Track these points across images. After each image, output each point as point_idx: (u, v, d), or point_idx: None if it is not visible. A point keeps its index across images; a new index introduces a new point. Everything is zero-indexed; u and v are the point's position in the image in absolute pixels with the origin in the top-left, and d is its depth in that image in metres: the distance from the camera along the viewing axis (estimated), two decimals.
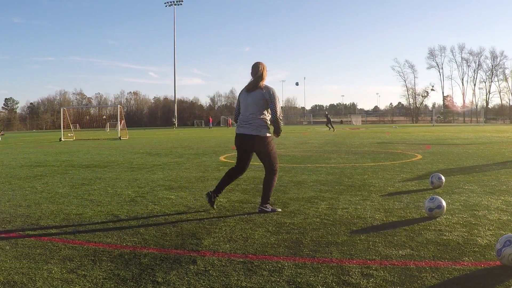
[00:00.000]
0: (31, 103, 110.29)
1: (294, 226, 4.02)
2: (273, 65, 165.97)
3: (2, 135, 38.17)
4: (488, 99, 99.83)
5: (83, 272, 2.89)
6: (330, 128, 36.59)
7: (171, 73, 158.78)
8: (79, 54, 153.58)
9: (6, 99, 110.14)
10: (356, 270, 2.86)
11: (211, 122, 67.20)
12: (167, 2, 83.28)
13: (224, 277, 2.78)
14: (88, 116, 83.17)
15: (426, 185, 6.17)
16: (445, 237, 3.56)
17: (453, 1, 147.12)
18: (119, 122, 30.32)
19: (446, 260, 3.02)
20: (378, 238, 3.58)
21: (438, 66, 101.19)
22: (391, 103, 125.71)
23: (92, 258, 3.19)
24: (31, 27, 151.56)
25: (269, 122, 4.59)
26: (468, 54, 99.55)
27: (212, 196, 4.64)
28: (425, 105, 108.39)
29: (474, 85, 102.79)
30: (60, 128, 29.90)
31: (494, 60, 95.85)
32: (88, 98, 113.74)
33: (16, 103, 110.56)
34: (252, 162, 4.81)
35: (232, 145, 17.96)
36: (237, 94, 4.91)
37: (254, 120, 4.50)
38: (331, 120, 38.23)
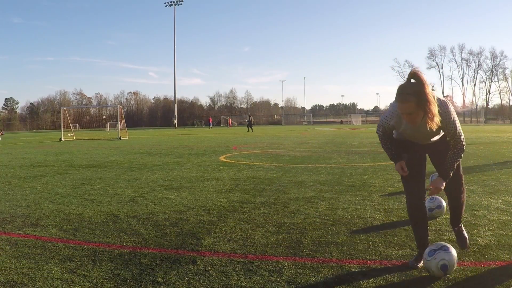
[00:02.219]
0: (31, 103, 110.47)
1: (294, 226, 4.02)
2: (273, 65, 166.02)
3: (2, 135, 38.16)
4: (488, 99, 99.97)
5: (83, 272, 2.89)
6: (249, 129, 37.67)
7: (171, 73, 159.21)
8: (79, 54, 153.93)
9: (6, 99, 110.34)
10: (356, 270, 2.86)
11: (211, 122, 67.23)
12: (167, 2, 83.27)
13: (224, 277, 2.78)
14: (88, 116, 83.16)
15: (426, 185, 6.15)
16: (445, 237, 3.56)
17: (453, 1, 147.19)
18: (119, 122, 30.31)
19: None
20: (378, 238, 3.58)
21: (438, 66, 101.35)
22: (391, 103, 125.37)
23: (92, 258, 3.19)
24: (31, 27, 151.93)
25: None
26: (468, 54, 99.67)
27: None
28: None
29: (474, 85, 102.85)
30: (60, 128, 29.90)
31: (494, 60, 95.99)
32: (88, 98, 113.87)
33: (16, 103, 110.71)
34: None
35: (233, 145, 17.99)
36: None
37: None
38: (252, 122, 39.60)
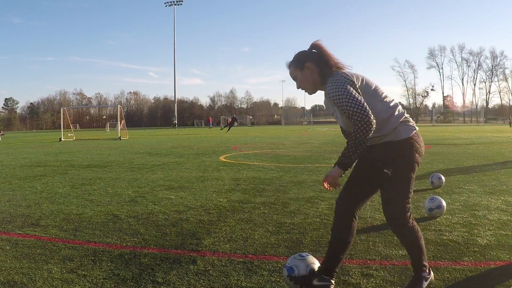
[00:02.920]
0: (31, 103, 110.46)
1: (294, 226, 4.02)
2: (273, 65, 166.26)
3: (2, 135, 38.15)
4: (488, 99, 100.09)
5: (83, 272, 2.89)
6: (223, 127, 36.54)
7: (171, 73, 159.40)
8: (79, 54, 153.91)
9: (6, 99, 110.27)
10: (356, 270, 2.86)
11: (211, 122, 67.20)
12: (167, 2, 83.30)
13: (224, 277, 2.78)
14: (88, 116, 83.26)
15: (426, 185, 6.17)
16: (445, 237, 3.56)
17: (453, 1, 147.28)
18: (119, 122, 30.30)
19: (446, 260, 3.02)
20: (378, 238, 3.58)
21: (438, 66, 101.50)
22: None
23: (92, 258, 3.19)
24: (31, 27, 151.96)
25: None
26: (468, 54, 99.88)
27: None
28: (425, 105, 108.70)
29: (474, 85, 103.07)
30: (60, 128, 29.90)
31: (494, 60, 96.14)
32: (88, 98, 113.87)
33: (16, 103, 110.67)
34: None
35: (233, 145, 18.00)
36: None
37: None
38: (234, 123, 38.17)
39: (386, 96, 2.44)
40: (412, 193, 2.46)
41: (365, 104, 2.26)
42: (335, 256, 2.53)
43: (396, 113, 2.41)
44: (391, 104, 2.42)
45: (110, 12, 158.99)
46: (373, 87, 2.42)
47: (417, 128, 2.47)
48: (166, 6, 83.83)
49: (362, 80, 2.42)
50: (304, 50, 2.54)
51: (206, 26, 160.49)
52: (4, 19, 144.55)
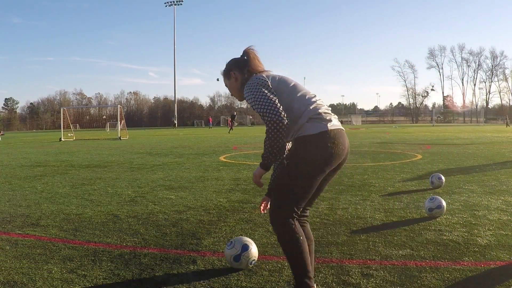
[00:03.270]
0: (31, 103, 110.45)
1: None
2: (273, 65, 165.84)
3: (2, 135, 38.15)
4: (488, 99, 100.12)
5: (83, 272, 2.89)
6: (230, 130, 37.13)
7: (171, 73, 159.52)
8: (79, 54, 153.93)
9: (6, 99, 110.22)
10: (356, 270, 2.86)
11: (211, 122, 67.20)
12: (167, 2, 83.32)
13: (224, 277, 2.78)
14: (88, 116, 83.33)
15: (426, 185, 6.17)
16: (445, 237, 3.56)
17: (453, 1, 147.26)
18: (119, 122, 30.29)
19: (446, 260, 3.02)
20: (378, 238, 3.58)
21: (438, 66, 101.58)
22: (391, 103, 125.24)
23: (92, 258, 3.19)
24: (31, 27, 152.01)
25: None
26: (468, 54, 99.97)
27: None
28: (425, 105, 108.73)
29: (474, 85, 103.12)
30: (60, 128, 29.91)
31: (494, 60, 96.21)
32: (88, 98, 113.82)
33: (16, 103, 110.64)
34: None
35: (233, 145, 17.99)
36: None
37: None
38: (234, 121, 38.48)
39: (305, 94, 2.38)
40: (307, 197, 2.37)
41: (277, 104, 2.25)
42: (298, 264, 2.29)
43: (308, 109, 2.31)
44: (308, 101, 2.34)
45: (110, 12, 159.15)
46: (292, 85, 2.41)
47: (330, 127, 2.28)
48: (166, 6, 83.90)
49: (279, 79, 2.42)
50: (234, 58, 2.58)
51: (206, 26, 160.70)
52: (4, 19, 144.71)
